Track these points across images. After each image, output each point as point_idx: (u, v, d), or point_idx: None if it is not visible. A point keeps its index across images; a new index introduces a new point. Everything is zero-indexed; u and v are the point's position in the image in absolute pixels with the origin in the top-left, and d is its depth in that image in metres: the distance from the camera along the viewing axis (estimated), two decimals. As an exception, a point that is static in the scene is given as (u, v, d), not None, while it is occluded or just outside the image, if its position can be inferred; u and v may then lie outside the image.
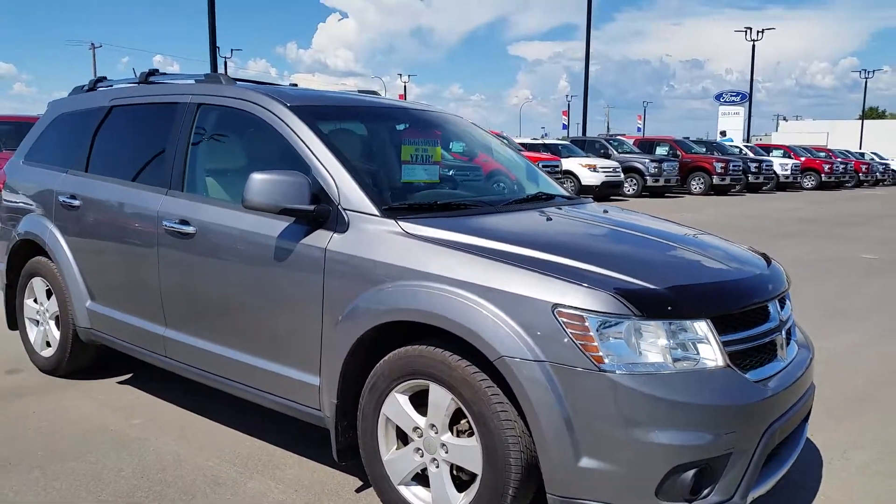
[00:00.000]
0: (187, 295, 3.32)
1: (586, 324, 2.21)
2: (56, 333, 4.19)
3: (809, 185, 29.40)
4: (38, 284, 4.28)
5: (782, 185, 28.24)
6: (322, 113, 3.31)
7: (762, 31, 43.22)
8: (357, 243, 2.72)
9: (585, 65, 29.94)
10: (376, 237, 2.69)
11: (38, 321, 4.35)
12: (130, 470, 3.07)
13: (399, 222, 2.70)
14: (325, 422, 2.82)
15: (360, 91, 4.38)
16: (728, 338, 2.35)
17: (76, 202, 3.94)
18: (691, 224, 3.59)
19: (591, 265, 2.38)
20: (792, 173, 28.23)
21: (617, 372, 2.18)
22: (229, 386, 3.19)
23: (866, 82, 60.54)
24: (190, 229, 3.24)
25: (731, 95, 52.65)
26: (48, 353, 4.28)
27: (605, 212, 3.37)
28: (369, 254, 2.67)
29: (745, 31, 43.31)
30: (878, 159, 38.27)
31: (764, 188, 26.80)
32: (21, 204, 4.42)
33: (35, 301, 4.35)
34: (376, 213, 2.75)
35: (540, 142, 22.69)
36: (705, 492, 2.25)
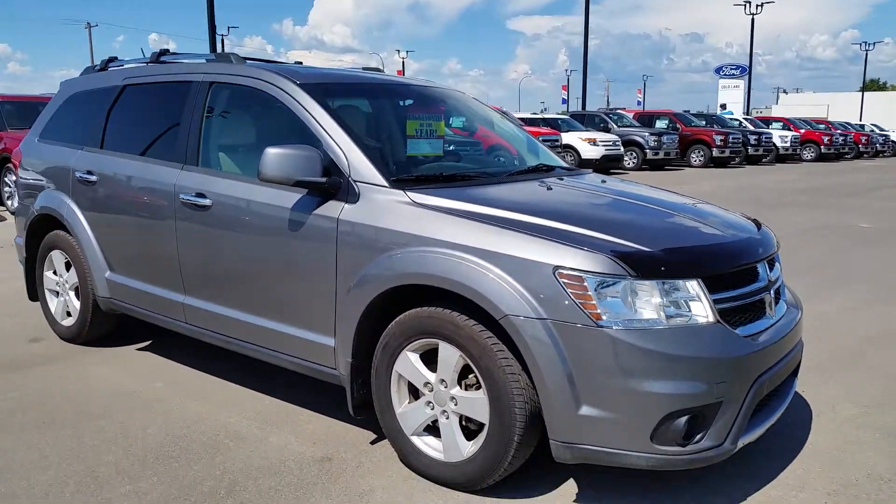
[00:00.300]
0: (205, 263, 3.48)
1: (585, 284, 2.38)
2: (76, 303, 4.36)
3: (809, 157, 29.46)
4: (58, 257, 4.44)
5: (782, 158, 28.31)
6: (331, 90, 3.44)
7: (761, 5, 42.95)
8: (368, 213, 2.87)
9: (585, 39, 29.85)
10: (386, 207, 2.84)
11: (57, 292, 4.52)
12: (156, 428, 3.26)
13: (407, 192, 2.85)
14: (340, 380, 2.99)
15: (364, 68, 4.50)
16: (718, 296, 2.52)
17: (93, 177, 4.09)
18: (693, 195, 3.73)
19: (589, 230, 2.54)
20: (791, 145, 28.29)
21: (614, 328, 2.35)
22: (248, 349, 3.36)
23: (867, 54, 60.31)
24: (206, 202, 3.40)
25: (731, 69, 52.36)
26: (69, 322, 4.45)
27: (604, 182, 3.52)
28: (380, 222, 2.82)
29: (745, 5, 43.00)
30: (877, 131, 38.25)
31: (764, 160, 26.88)
32: (38, 180, 4.57)
33: (54, 273, 4.51)
34: (385, 184, 2.90)
35: (539, 116, 22.72)
36: (697, 437, 2.43)
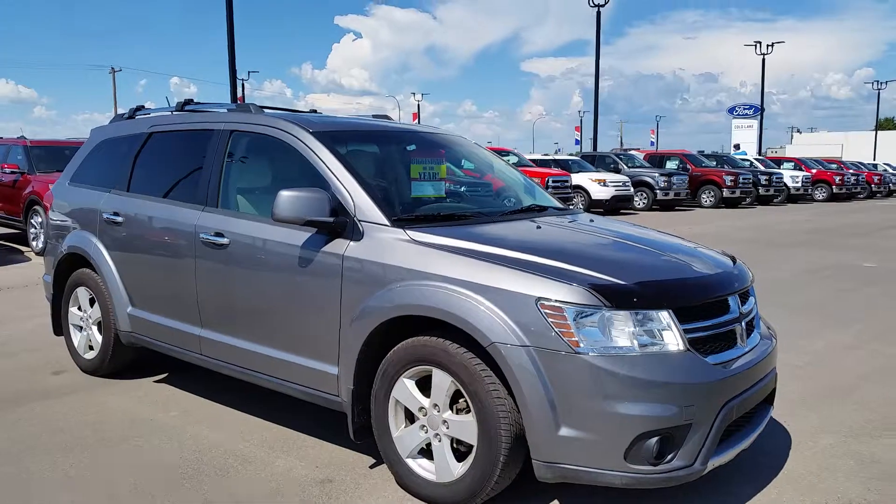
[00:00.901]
0: (221, 298, 3.74)
1: (565, 314, 2.61)
2: (98, 337, 4.63)
3: (821, 197, 29.54)
4: (83, 293, 4.72)
5: (793, 198, 28.41)
6: (340, 137, 3.73)
7: (771, 45, 43.50)
8: (370, 249, 3.13)
9: (595, 81, 30.42)
10: (387, 244, 3.10)
11: (81, 327, 4.79)
12: (170, 451, 3.49)
13: (407, 231, 3.11)
14: (342, 406, 3.22)
15: (373, 116, 4.81)
16: (689, 326, 2.74)
17: (119, 218, 4.39)
18: (696, 236, 3.97)
19: (570, 265, 2.78)
20: (802, 185, 28.40)
21: (590, 354, 2.57)
22: (258, 378, 3.60)
23: (879, 93, 60.53)
24: (224, 240, 3.67)
25: (745, 108, 52.89)
26: (90, 355, 4.71)
27: (591, 221, 3.77)
28: (381, 258, 3.08)
29: (755, 45, 43.60)
30: (890, 170, 38.31)
31: (775, 200, 26.99)
32: (67, 221, 4.89)
33: (79, 308, 4.79)
34: (387, 223, 3.16)
35: (550, 158, 23.09)
36: (669, 457, 2.62)
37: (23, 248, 11.10)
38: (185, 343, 3.98)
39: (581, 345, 2.58)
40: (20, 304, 7.06)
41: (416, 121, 57.88)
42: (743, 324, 3.02)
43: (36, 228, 10.71)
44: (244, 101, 21.87)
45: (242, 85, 51.12)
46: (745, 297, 3.15)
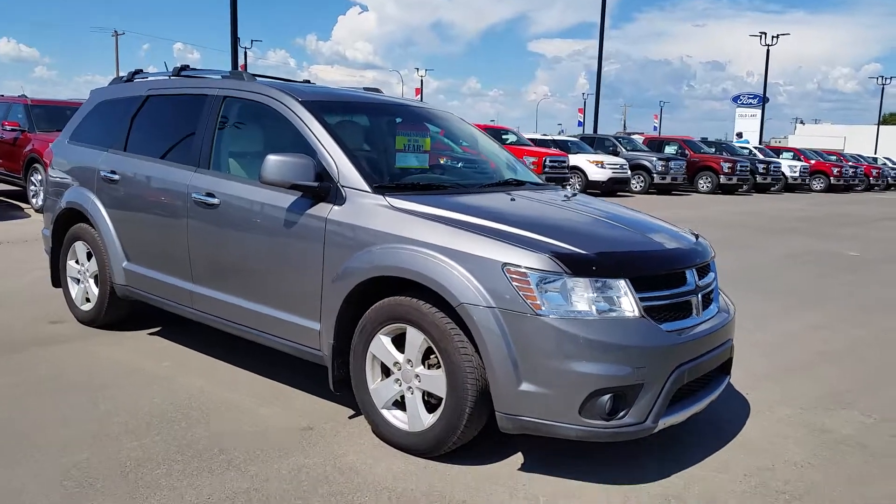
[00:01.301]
0: (212, 256, 3.93)
1: (528, 279, 2.80)
2: (95, 290, 4.82)
3: (818, 188, 29.70)
4: (80, 247, 4.91)
5: (791, 187, 28.57)
6: (328, 107, 3.89)
7: (776, 37, 43.30)
8: (352, 214, 3.31)
9: (598, 65, 30.39)
10: (367, 209, 3.28)
11: (78, 279, 4.98)
12: (161, 398, 3.70)
13: (387, 197, 3.29)
14: (323, 360, 3.42)
15: (364, 88, 4.96)
16: (645, 294, 2.93)
17: (116, 176, 4.56)
18: (689, 220, 4.15)
19: (536, 234, 2.97)
20: (800, 175, 28.56)
21: (551, 317, 2.77)
22: (245, 332, 3.80)
23: (883, 88, 60.37)
24: (215, 200, 3.85)
25: (749, 98, 52.69)
26: (87, 307, 4.91)
27: (565, 196, 3.95)
28: (361, 222, 3.26)
29: (760, 37, 43.41)
30: (889, 164, 38.45)
31: (772, 189, 27.15)
32: (66, 178, 5.06)
33: (77, 262, 4.97)
34: (368, 189, 3.34)
35: (549, 138, 23.17)
36: (621, 414, 2.83)
37: (22, 205, 11.28)
38: (177, 297, 4.17)
39: (543, 308, 2.78)
40: (19, 259, 7.25)
41: (419, 96, 57.74)
42: (699, 296, 3.21)
43: (35, 186, 10.86)
44: (245, 69, 21.90)
45: (245, 53, 50.89)
46: (703, 271, 3.34)
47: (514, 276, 2.82)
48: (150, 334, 4.81)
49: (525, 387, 2.80)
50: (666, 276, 3.09)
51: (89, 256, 4.85)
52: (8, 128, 11.46)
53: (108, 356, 4.34)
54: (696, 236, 3.58)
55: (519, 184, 4.08)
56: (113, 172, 4.58)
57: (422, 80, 65.90)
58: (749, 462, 3.27)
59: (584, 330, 2.77)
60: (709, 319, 3.24)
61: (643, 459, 3.24)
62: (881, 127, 65.48)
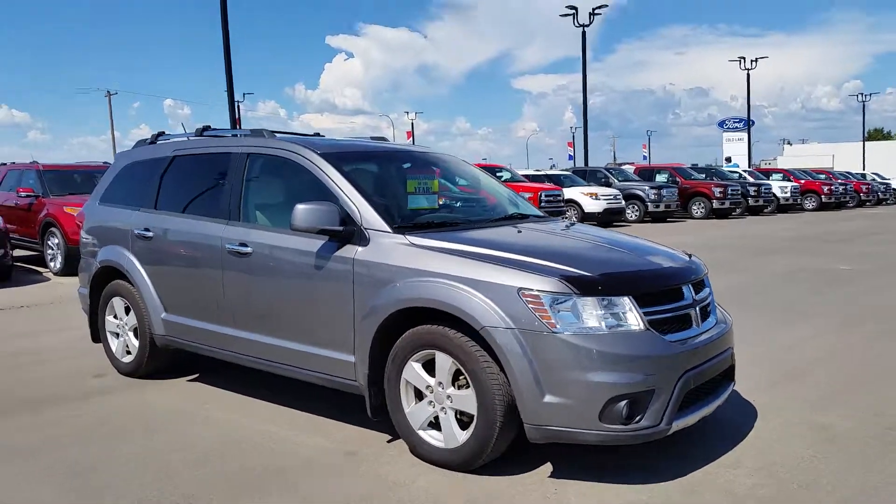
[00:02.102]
0: (248, 301, 4.26)
1: (542, 301, 3.14)
2: (135, 342, 5.14)
3: (810, 207, 30.19)
4: (118, 303, 5.24)
5: (783, 208, 29.05)
6: (345, 157, 4.28)
7: (755, 60, 44.43)
8: (376, 253, 3.66)
9: (584, 98, 31.16)
10: (390, 248, 3.64)
11: (118, 334, 5.30)
12: (210, 436, 3.99)
13: (407, 236, 3.65)
14: (360, 389, 3.73)
15: (371, 137, 5.37)
16: (648, 309, 3.28)
17: (149, 233, 4.92)
18: (685, 245, 4.52)
19: (546, 261, 3.33)
20: (792, 195, 29.06)
21: (566, 333, 3.10)
22: (284, 369, 4.11)
23: (864, 105, 61.56)
24: (248, 249, 4.20)
25: (734, 122, 53.64)
26: (128, 359, 5.22)
27: (566, 226, 4.33)
28: (386, 260, 3.61)
29: (739, 61, 44.52)
30: (878, 179, 39.03)
31: (765, 210, 27.63)
32: (99, 238, 5.41)
33: (115, 317, 5.30)
34: (389, 230, 3.70)
35: (543, 173, 23.71)
36: (637, 418, 3.14)
37: (40, 269, 11.61)
38: (216, 342, 4.49)
39: (557, 326, 3.11)
40: (47, 320, 7.57)
41: (411, 139, 58.63)
42: (697, 309, 3.55)
43: (53, 249, 11.23)
44: (240, 122, 22.57)
45: (238, 107, 51.87)
46: (699, 286, 3.69)
47: (528, 298, 3.16)
48: (190, 381, 5.12)
49: (549, 399, 3.11)
50: (665, 292, 3.43)
51: (127, 311, 5.17)
52: (23, 194, 11.86)
53: (153, 402, 4.64)
54: (689, 255, 3.94)
55: (523, 217, 4.46)
56: (147, 230, 4.94)
57: (412, 123, 66.98)
58: (759, 458, 3.57)
59: (596, 344, 3.10)
60: (708, 330, 3.57)
61: (662, 462, 3.53)
62: (868, 143, 66.46)
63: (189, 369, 5.32)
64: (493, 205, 4.85)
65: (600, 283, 3.22)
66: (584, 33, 31.64)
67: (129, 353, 5.22)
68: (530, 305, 3.14)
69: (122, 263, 5.11)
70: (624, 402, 3.10)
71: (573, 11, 31.74)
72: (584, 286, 3.18)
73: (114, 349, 5.33)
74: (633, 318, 3.21)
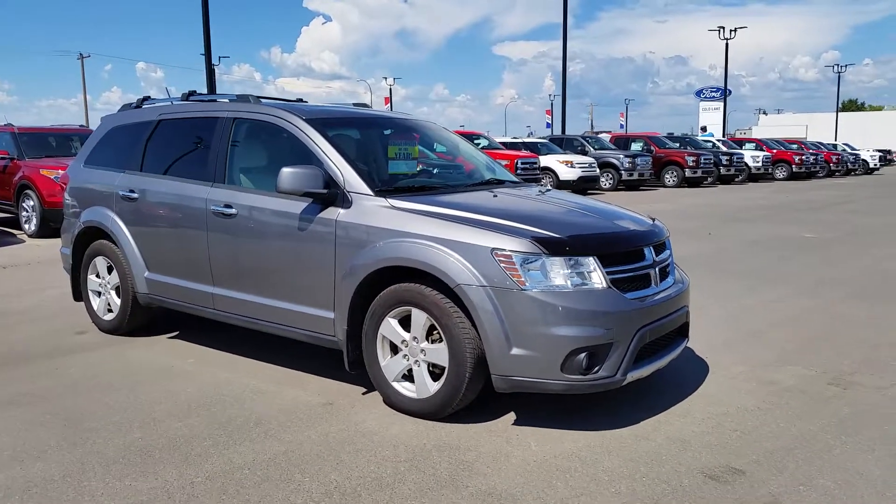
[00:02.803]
0: (232, 260, 4.43)
1: (513, 260, 3.35)
2: (117, 301, 5.29)
3: (781, 176, 30.73)
4: (101, 262, 5.36)
5: (755, 177, 29.57)
6: (329, 122, 4.42)
7: (734, 30, 44.60)
8: (358, 215, 3.84)
9: (563, 65, 31.14)
10: (371, 210, 3.82)
11: (100, 292, 5.44)
12: (193, 388, 4.19)
13: (387, 199, 3.83)
14: (338, 344, 3.94)
15: (353, 104, 5.50)
16: (611, 269, 3.51)
17: (134, 195, 5.04)
18: (656, 212, 4.75)
19: (517, 223, 3.53)
20: (763, 165, 29.56)
21: (533, 290, 3.32)
22: (266, 326, 4.30)
23: (839, 76, 62.17)
24: (232, 211, 4.35)
25: (711, 91, 53.94)
26: (110, 317, 5.37)
27: (539, 191, 4.53)
28: (367, 221, 3.79)
29: (718, 31, 44.66)
30: (849, 150, 39.76)
31: (736, 179, 28.09)
32: (83, 199, 5.51)
33: (97, 276, 5.43)
34: (371, 193, 3.88)
35: (520, 140, 23.86)
36: (595, 369, 3.39)
37: (15, 231, 11.60)
38: (199, 300, 4.66)
39: (526, 284, 3.33)
40: (26, 280, 7.65)
41: (389, 105, 58.26)
42: (657, 269, 3.79)
43: (28, 212, 11.22)
44: (215, 85, 22.46)
45: (214, 70, 51.06)
46: (660, 248, 3.93)
47: (501, 258, 3.37)
48: (170, 338, 5.29)
49: (515, 351, 3.35)
50: (627, 253, 3.66)
51: (110, 270, 5.31)
52: (-2, 156, 11.78)
53: (136, 358, 4.82)
54: (653, 220, 4.17)
55: (499, 182, 4.65)
56: (131, 191, 5.06)
57: (391, 89, 66.49)
58: (707, 409, 3.85)
59: (561, 300, 3.33)
60: (666, 289, 3.82)
61: (618, 410, 3.80)
62: (841, 114, 67.32)
63: (168, 328, 5.49)
64: (471, 170, 5.03)
65: (568, 243, 3.44)
66: (565, 1, 31.51)
67: (110, 311, 5.37)
68: (502, 264, 3.35)
69: (105, 224, 5.23)
70: (584, 354, 3.34)
71: (553, -23, 31.52)
72: (552, 247, 3.40)
73: (95, 307, 5.47)
74: (597, 277, 3.44)
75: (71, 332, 5.46)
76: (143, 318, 5.31)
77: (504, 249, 3.38)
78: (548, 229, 3.51)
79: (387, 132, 4.93)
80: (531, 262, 3.37)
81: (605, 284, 3.45)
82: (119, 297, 5.27)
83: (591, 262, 3.44)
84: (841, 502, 2.90)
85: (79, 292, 5.63)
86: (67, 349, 5.03)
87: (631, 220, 4.02)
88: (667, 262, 3.98)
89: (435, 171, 5.02)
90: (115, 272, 5.26)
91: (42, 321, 5.83)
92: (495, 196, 4.19)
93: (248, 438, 3.47)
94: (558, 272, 3.38)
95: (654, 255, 3.80)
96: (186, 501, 2.88)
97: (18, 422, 3.72)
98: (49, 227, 10.79)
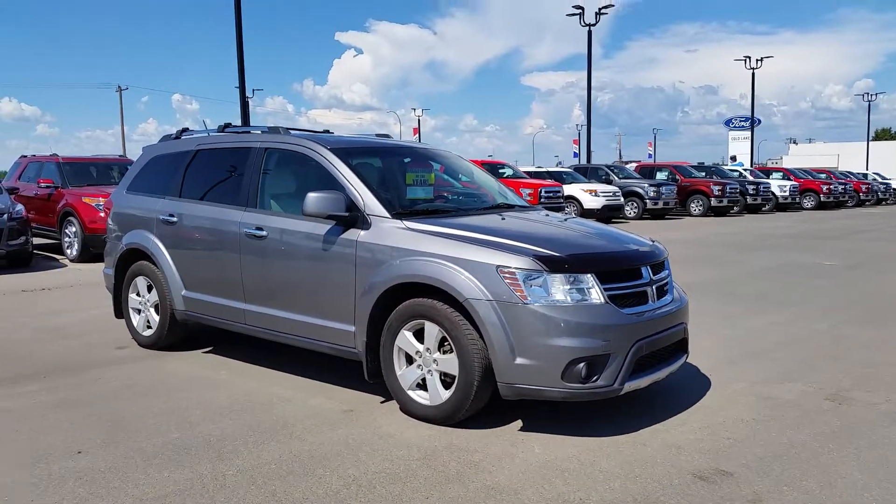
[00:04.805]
0: (262, 278, 4.79)
1: (517, 277, 3.66)
2: (155, 317, 5.68)
3: (809, 206, 30.60)
4: (141, 282, 5.77)
5: (782, 206, 29.48)
6: (352, 152, 4.80)
7: (761, 60, 44.67)
8: (376, 236, 4.19)
9: (588, 97, 31.57)
10: (389, 231, 4.16)
11: (140, 310, 5.83)
12: (225, 395, 4.53)
13: (403, 221, 4.17)
14: (358, 356, 4.26)
15: (376, 135, 5.89)
16: (609, 286, 3.79)
17: (173, 219, 5.45)
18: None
19: (521, 243, 3.85)
20: (790, 194, 29.47)
21: (536, 305, 3.62)
22: (292, 339, 4.64)
23: (869, 105, 61.70)
24: (263, 233, 4.73)
25: (740, 121, 53.96)
26: (148, 332, 5.76)
27: (546, 215, 4.84)
28: (384, 241, 4.13)
29: (745, 60, 44.80)
30: (879, 179, 39.37)
31: (763, 209, 28.06)
32: (126, 223, 5.94)
33: (138, 294, 5.83)
34: (388, 216, 4.22)
35: (545, 170, 24.18)
36: (594, 378, 3.66)
37: (58, 257, 12.18)
38: (232, 316, 5.02)
39: (529, 298, 3.63)
40: (69, 301, 8.11)
41: (417, 135, 59.10)
42: (654, 287, 4.06)
43: (70, 238, 11.79)
44: (249, 117, 23.30)
45: (248, 103, 52.41)
46: (658, 268, 4.20)
47: (505, 275, 3.68)
48: (205, 352, 5.66)
49: (519, 361, 3.63)
50: (625, 271, 3.95)
51: (149, 289, 5.71)
52: (43, 185, 12.42)
53: (172, 369, 5.18)
54: (653, 241, 4.46)
55: (508, 207, 4.99)
56: (171, 216, 5.47)
57: (419, 120, 67.50)
58: (704, 420, 4.08)
59: (562, 314, 3.62)
60: (663, 306, 4.08)
61: (619, 420, 4.05)
62: (872, 143, 66.70)
63: (203, 343, 5.86)
64: (483, 195, 5.37)
65: (567, 261, 3.74)
66: (589, 32, 31.99)
67: (149, 327, 5.75)
68: (507, 281, 3.66)
69: (146, 246, 5.65)
70: (583, 364, 3.62)
71: (579, 11, 32.08)
72: (553, 264, 3.70)
73: (135, 324, 5.86)
74: (595, 293, 3.72)
75: (112, 347, 5.85)
76: (179, 334, 5.69)
77: (508, 267, 3.69)
78: (549, 248, 3.82)
79: (405, 160, 5.30)
80: (533, 279, 3.67)
81: (603, 300, 3.73)
82: (158, 313, 5.66)
83: (589, 279, 3.73)
84: (820, 501, 3.12)
85: (120, 310, 6.03)
86: (108, 361, 5.41)
87: (629, 241, 4.31)
88: (665, 281, 4.25)
89: (449, 195, 5.36)
90: (154, 291, 5.65)
91: (84, 337, 6.24)
92: (503, 219, 4.51)
93: (275, 439, 3.79)
94: (559, 288, 3.68)
95: (651, 274, 4.08)
96: (219, 490, 3.20)
97: (66, 423, 4.08)
98: (90, 252, 11.32)
